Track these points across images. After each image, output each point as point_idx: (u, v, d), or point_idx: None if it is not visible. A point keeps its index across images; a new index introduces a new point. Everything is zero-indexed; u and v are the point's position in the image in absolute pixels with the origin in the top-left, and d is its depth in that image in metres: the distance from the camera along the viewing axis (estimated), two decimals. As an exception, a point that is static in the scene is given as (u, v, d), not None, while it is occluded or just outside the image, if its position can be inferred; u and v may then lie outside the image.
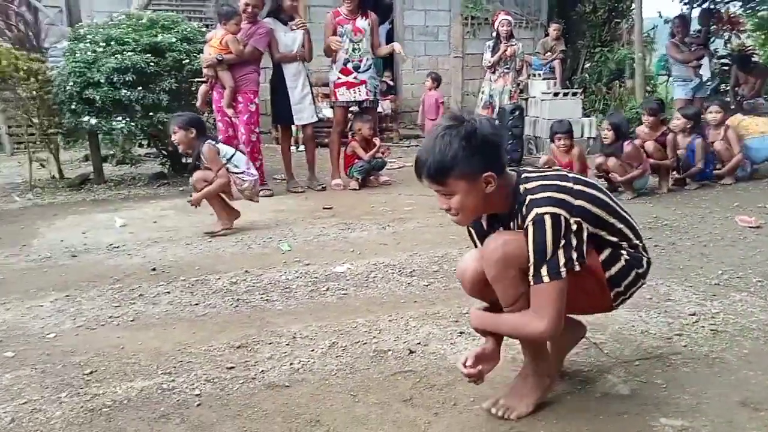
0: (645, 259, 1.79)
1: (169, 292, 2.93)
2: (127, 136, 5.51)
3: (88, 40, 5.29)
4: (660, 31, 10.13)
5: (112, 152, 7.15)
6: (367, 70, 5.51)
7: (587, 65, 10.37)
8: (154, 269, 3.30)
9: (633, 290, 1.79)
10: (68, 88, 5.16)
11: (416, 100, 9.03)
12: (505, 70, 6.97)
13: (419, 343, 2.27)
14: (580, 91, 8.11)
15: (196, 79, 5.32)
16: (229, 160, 4.03)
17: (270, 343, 2.32)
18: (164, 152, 6.36)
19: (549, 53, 8.75)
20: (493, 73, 7.01)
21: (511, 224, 1.74)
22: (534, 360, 1.81)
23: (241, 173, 4.07)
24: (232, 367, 2.12)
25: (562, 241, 1.59)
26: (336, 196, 5.36)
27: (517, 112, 6.79)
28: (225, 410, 1.85)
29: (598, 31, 10.36)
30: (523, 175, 1.71)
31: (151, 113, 5.29)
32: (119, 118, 5.26)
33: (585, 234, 1.63)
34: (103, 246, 3.79)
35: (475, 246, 1.86)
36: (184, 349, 2.29)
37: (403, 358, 2.16)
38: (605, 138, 4.93)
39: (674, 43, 7.38)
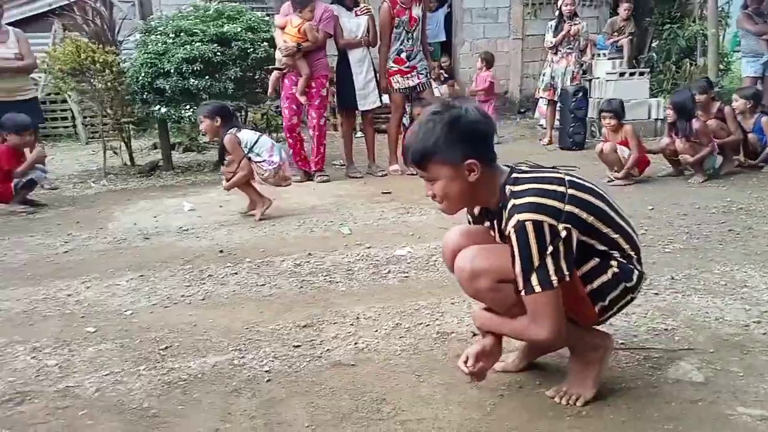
0: (636, 273, 1.67)
1: (236, 273, 3.03)
2: (194, 124, 5.70)
3: (158, 32, 5.49)
4: (735, 5, 9.54)
5: (178, 140, 7.43)
6: (417, 55, 5.50)
7: (655, 43, 9.90)
8: (221, 251, 3.42)
9: (620, 304, 1.69)
10: (140, 78, 5.38)
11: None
12: (568, 50, 6.77)
13: (482, 326, 2.26)
14: (647, 70, 7.77)
15: (270, 67, 5.38)
16: (251, 149, 4.03)
17: (335, 323, 2.37)
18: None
19: (616, 33, 8.41)
20: (555, 53, 6.82)
21: (496, 223, 1.72)
22: (571, 340, 1.74)
23: (262, 161, 4.06)
24: (298, 346, 2.18)
25: (550, 248, 1.52)
26: (394, 181, 5.38)
27: (580, 94, 6.59)
28: (293, 386, 1.91)
29: (667, 8, 9.86)
30: (513, 175, 1.64)
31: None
32: (187, 107, 5.45)
33: (575, 241, 1.56)
34: (173, 229, 3.96)
35: (468, 223, 1.89)
36: (252, 327, 2.37)
37: (467, 340, 2.16)
38: (668, 117, 4.78)
39: (747, 13, 6.94)
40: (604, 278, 1.63)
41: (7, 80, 5.18)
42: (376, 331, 2.29)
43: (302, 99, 5.19)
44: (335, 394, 1.84)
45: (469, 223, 1.89)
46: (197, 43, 5.30)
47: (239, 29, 5.52)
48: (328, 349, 2.15)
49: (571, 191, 1.58)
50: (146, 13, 6.12)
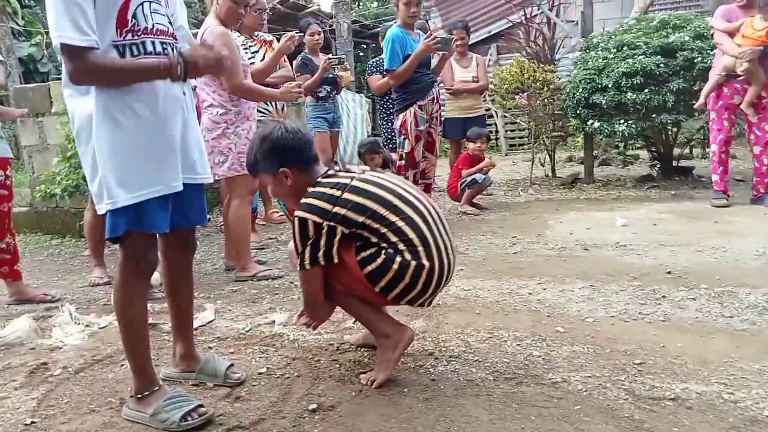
0: (399, 262, 1.96)
1: (694, 299, 2.84)
2: (627, 137, 5.63)
3: (599, 48, 5.61)
4: None
5: (594, 153, 7.48)
6: None
7: None
8: (669, 272, 3.26)
9: (401, 288, 2.00)
10: (577, 94, 5.59)
11: None
12: None
13: None
14: None
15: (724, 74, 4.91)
16: None
17: None
18: (655, 154, 6.26)
19: None
20: None
21: None
22: (369, 326, 2.17)
23: None
24: (802, 397, 1.89)
25: (309, 240, 1.97)
26: None
27: None
28: (809, 443, 1.66)
29: None
30: (318, 178, 2.06)
31: (653, 115, 5.26)
32: (621, 121, 5.41)
33: (337, 237, 1.96)
34: (609, 243, 3.97)
35: None
36: (732, 362, 2.17)
37: None
38: None
39: None
40: (374, 265, 1.98)
41: (466, 99, 6.06)
42: None
43: (749, 111, 4.61)
44: None
45: None
46: (640, 56, 5.21)
47: (686, 38, 5.20)
48: None
49: (346, 195, 1.97)
50: (587, 30, 6.30)
